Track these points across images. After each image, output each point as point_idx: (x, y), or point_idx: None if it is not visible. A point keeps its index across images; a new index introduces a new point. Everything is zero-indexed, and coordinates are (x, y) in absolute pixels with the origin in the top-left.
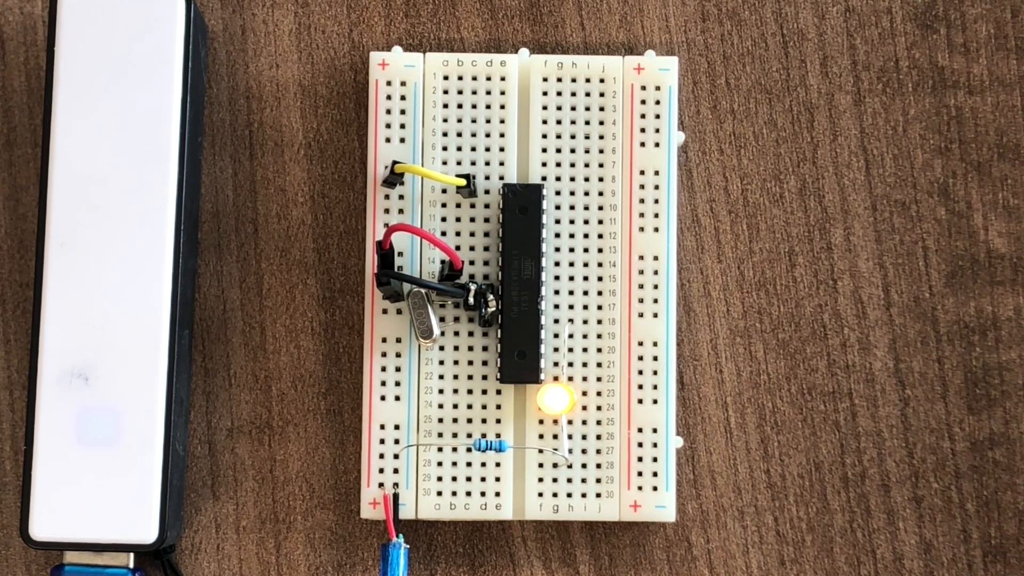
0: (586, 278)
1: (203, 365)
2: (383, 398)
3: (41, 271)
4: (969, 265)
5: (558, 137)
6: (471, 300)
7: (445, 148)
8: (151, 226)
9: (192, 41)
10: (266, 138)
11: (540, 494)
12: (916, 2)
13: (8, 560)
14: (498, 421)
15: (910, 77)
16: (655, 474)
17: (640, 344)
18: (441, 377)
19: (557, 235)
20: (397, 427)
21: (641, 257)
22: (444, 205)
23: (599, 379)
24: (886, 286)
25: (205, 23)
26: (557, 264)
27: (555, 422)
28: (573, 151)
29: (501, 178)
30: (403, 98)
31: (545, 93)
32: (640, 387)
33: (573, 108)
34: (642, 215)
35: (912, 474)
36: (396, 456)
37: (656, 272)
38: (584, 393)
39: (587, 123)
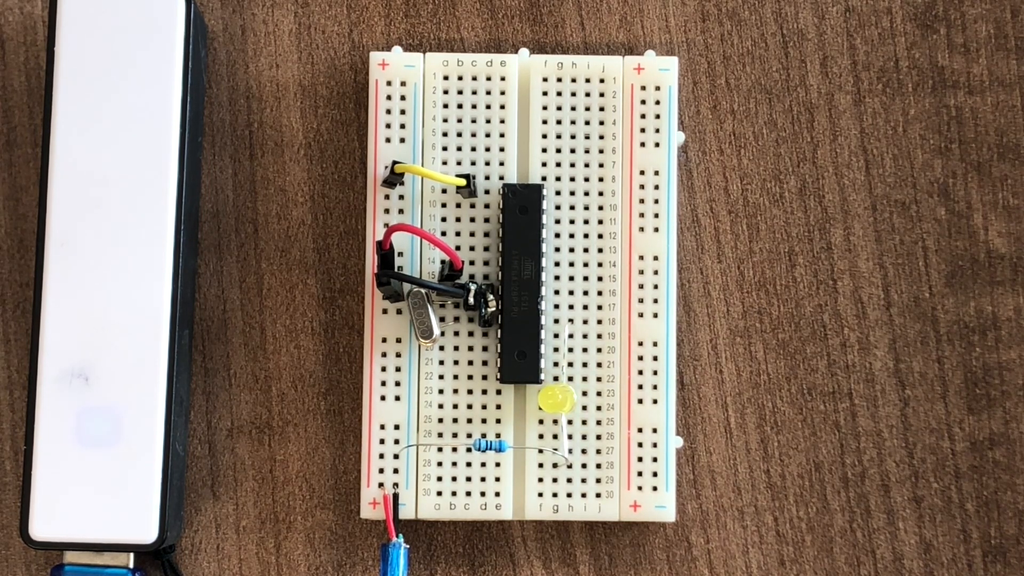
0: (586, 278)
1: (203, 365)
2: (383, 398)
3: (41, 271)
4: (969, 265)
5: (558, 137)
6: (471, 300)
7: (445, 148)
8: (151, 226)
9: (192, 41)
10: (266, 138)
11: (540, 494)
12: (916, 2)
13: (8, 560)
14: (498, 421)
15: (910, 77)
16: (655, 474)
17: (640, 344)
18: (441, 377)
19: (557, 235)
20: (397, 427)
21: (641, 257)
22: (444, 205)
23: (599, 379)
24: (886, 286)
25: (205, 23)
26: (557, 264)
27: (555, 422)
28: (573, 151)
29: (501, 178)
30: (403, 98)
31: (545, 93)
32: (640, 387)
33: (573, 108)
34: (642, 215)
35: (912, 474)
36: (396, 456)
37: (656, 272)
38: (584, 393)
39: (587, 123)
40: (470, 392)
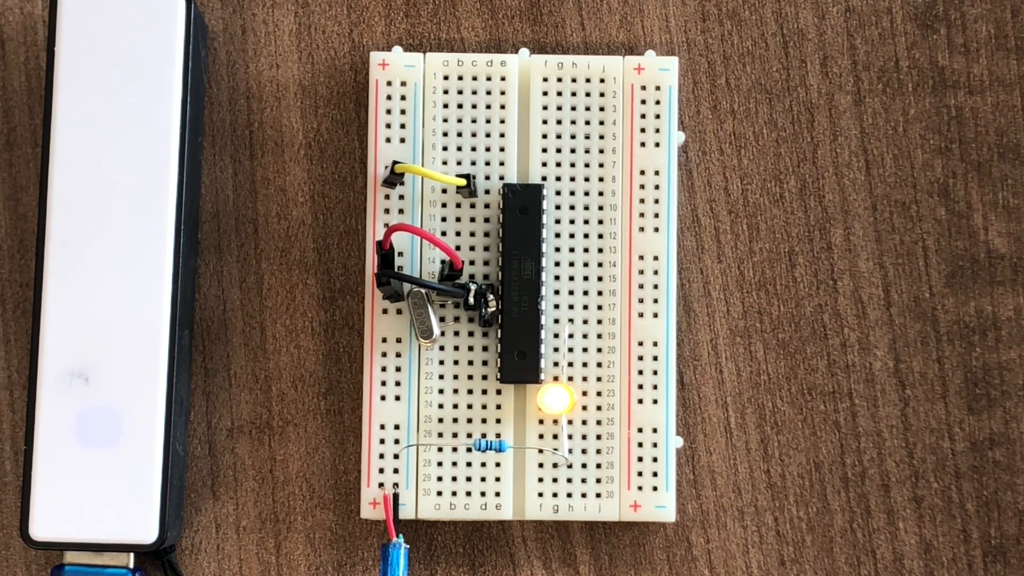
0: (586, 278)
1: (203, 365)
2: (383, 398)
3: (41, 271)
4: (969, 265)
5: (558, 137)
6: (471, 300)
7: (445, 148)
8: (151, 226)
9: (192, 41)
10: (266, 138)
11: (540, 494)
12: (916, 2)
13: (8, 560)
14: (498, 421)
15: (910, 77)
16: (655, 474)
17: (640, 344)
18: (441, 377)
19: (557, 235)
20: (397, 427)
21: (641, 257)
22: (444, 205)
23: (599, 379)
24: (886, 286)
25: (205, 23)
26: (557, 264)
27: (555, 422)
28: (573, 151)
29: (501, 178)
30: (403, 98)
31: (545, 93)
32: (640, 387)
33: (573, 108)
34: (642, 215)
35: (912, 474)
36: (396, 456)
37: (656, 272)
38: (584, 393)
39: (587, 123)
40: (470, 392)
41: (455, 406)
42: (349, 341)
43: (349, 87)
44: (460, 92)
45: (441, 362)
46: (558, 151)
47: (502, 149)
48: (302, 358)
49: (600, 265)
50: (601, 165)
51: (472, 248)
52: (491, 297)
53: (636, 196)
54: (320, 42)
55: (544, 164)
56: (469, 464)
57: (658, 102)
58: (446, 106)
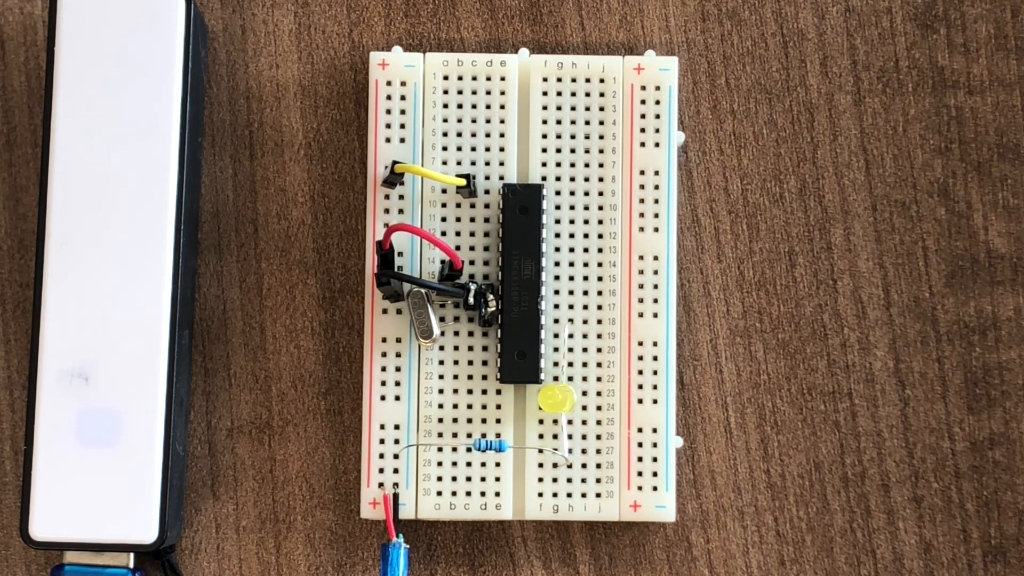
0: (586, 278)
1: (203, 365)
2: (383, 398)
3: (41, 271)
4: (969, 265)
5: (558, 137)
6: (471, 300)
7: (445, 148)
8: (151, 226)
9: (192, 41)
10: (266, 138)
11: (540, 494)
12: (916, 2)
13: (8, 560)
14: (498, 421)
15: (910, 77)
16: (655, 474)
17: (640, 344)
18: (441, 377)
19: (557, 235)
20: (397, 427)
21: (641, 257)
22: (444, 205)
23: (599, 379)
24: (886, 286)
25: (205, 23)
26: (557, 264)
27: (555, 422)
28: (573, 151)
29: (501, 178)
30: (403, 98)
31: (545, 93)
32: (640, 387)
33: (573, 108)
34: (642, 215)
35: (912, 474)
36: (396, 456)
37: (656, 272)
38: (584, 393)
39: (587, 123)
40: (470, 392)
41: (455, 406)
42: (349, 341)
43: (349, 87)
44: (460, 92)
45: (441, 362)
46: (558, 151)
47: (502, 149)
48: (302, 358)
49: (600, 265)
50: (601, 165)
51: (472, 248)
52: (491, 297)
53: (636, 196)
54: (320, 42)
55: (544, 164)
56: (469, 464)
57: (658, 102)
58: (446, 106)
